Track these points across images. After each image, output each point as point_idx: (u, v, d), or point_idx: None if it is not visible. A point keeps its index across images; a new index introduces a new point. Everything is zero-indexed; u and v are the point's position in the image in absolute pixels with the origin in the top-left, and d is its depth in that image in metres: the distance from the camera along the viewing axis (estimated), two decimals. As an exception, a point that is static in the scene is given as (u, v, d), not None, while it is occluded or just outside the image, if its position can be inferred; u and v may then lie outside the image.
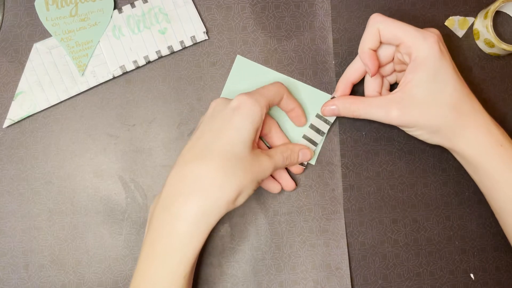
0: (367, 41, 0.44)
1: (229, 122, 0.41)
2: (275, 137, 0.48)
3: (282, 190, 0.49)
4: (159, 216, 0.40)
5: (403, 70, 0.47)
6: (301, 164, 0.48)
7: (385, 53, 0.46)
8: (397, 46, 0.43)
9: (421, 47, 0.42)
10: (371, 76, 0.46)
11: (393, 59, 0.46)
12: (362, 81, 0.49)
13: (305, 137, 0.49)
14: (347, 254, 0.49)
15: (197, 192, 0.39)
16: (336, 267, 0.49)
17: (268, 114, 0.48)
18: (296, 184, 0.49)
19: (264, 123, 0.45)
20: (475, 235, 0.50)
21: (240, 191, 0.40)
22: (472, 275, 0.50)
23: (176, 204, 0.39)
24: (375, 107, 0.44)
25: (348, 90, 0.48)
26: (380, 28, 0.43)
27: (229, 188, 0.39)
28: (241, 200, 0.40)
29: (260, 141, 0.48)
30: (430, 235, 0.50)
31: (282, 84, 0.45)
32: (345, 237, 0.49)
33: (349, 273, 0.49)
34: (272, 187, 0.48)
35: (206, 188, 0.39)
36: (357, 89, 0.50)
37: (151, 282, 0.39)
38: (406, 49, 0.43)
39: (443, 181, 0.51)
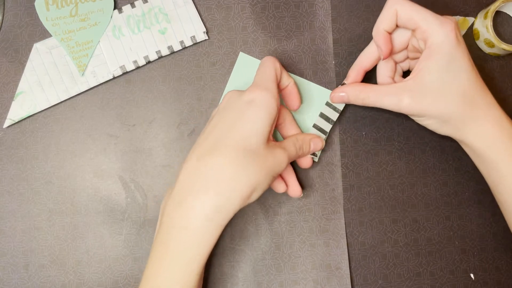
0: (383, 22, 0.42)
1: (243, 115, 0.39)
2: (288, 127, 0.47)
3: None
4: (171, 212, 0.39)
5: (416, 58, 0.46)
6: (313, 154, 0.48)
7: (400, 39, 0.45)
8: (413, 30, 0.42)
9: (437, 33, 0.40)
10: (383, 59, 0.44)
11: (407, 46, 0.45)
12: (374, 70, 0.47)
13: (315, 126, 0.48)
14: (347, 254, 0.49)
15: (210, 188, 0.37)
16: (336, 267, 0.49)
17: (282, 105, 0.47)
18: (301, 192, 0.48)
19: (278, 113, 0.43)
20: (475, 235, 0.50)
21: (255, 186, 0.38)
22: (472, 275, 0.50)
23: (188, 200, 0.38)
24: (386, 95, 0.42)
25: (360, 78, 0.47)
26: (398, 9, 0.41)
27: (243, 184, 0.38)
28: (256, 196, 0.39)
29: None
30: (430, 235, 0.50)
31: (273, 57, 0.44)
32: (345, 237, 0.49)
33: (349, 273, 0.49)
34: (278, 186, 0.46)
35: (220, 184, 0.37)
36: (369, 77, 0.49)
37: (164, 278, 0.38)
38: (421, 34, 0.41)
39: (443, 181, 0.51)
